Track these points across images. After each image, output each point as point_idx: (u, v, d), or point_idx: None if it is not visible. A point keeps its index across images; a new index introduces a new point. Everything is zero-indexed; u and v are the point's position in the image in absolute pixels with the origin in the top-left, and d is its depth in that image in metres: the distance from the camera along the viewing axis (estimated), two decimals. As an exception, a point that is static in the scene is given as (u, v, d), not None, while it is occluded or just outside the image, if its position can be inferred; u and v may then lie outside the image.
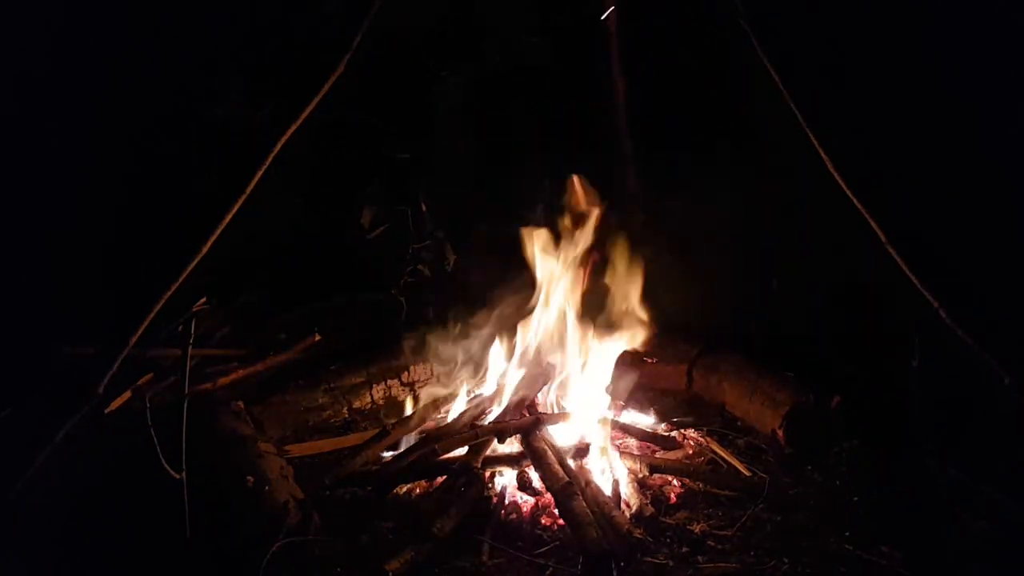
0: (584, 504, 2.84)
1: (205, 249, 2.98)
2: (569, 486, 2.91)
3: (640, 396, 3.89)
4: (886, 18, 3.79)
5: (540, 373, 3.70)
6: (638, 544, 2.76)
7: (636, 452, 3.41)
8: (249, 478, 2.93)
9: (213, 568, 2.67)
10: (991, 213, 3.66)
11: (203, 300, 3.32)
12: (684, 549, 2.81)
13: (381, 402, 3.97)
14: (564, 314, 3.86)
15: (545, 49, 4.44)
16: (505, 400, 3.56)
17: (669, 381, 4.02)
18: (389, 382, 3.99)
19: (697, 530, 2.90)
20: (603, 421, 3.36)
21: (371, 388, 3.94)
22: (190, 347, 2.61)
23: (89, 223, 4.17)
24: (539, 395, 3.64)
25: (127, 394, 3.36)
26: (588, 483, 3.05)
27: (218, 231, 3.00)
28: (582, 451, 3.30)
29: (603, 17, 4.29)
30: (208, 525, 2.67)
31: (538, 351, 3.81)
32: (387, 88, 4.40)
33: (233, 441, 3.17)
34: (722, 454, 3.41)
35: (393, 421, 3.60)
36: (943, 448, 3.24)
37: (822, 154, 3.32)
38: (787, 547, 2.80)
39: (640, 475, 3.20)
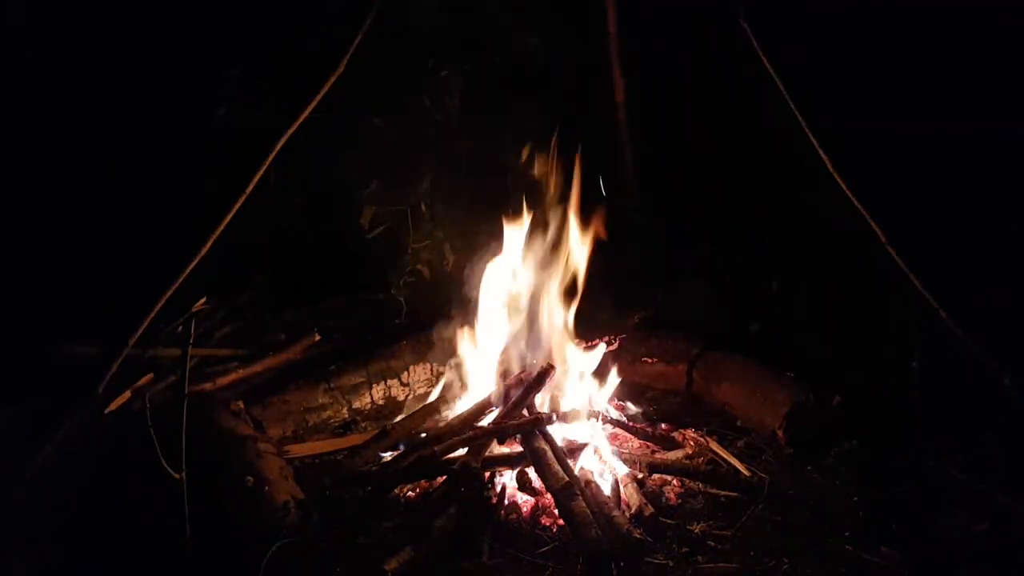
0: (584, 504, 2.84)
1: (205, 249, 2.99)
2: (569, 486, 2.91)
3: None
4: (886, 17, 3.79)
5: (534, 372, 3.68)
6: (638, 544, 2.75)
7: (636, 452, 3.41)
8: (249, 478, 2.92)
9: (213, 568, 2.67)
10: (991, 213, 3.65)
11: (203, 300, 3.32)
12: (684, 549, 2.80)
13: (381, 402, 3.96)
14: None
15: (544, 48, 4.44)
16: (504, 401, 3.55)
17: (669, 381, 4.02)
18: (389, 382, 3.98)
19: (697, 530, 2.90)
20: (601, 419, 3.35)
21: (371, 388, 3.94)
22: (190, 347, 2.61)
23: (89, 223, 4.17)
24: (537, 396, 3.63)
25: (127, 394, 3.36)
26: (588, 483, 3.04)
27: (218, 231, 3.02)
28: (582, 451, 3.30)
29: None
30: (208, 525, 2.66)
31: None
32: (387, 88, 4.40)
33: (233, 441, 3.17)
34: (722, 454, 3.41)
35: (393, 421, 3.60)
36: (943, 448, 3.24)
37: (822, 154, 3.33)
38: (787, 547, 2.79)
39: (640, 475, 3.20)
